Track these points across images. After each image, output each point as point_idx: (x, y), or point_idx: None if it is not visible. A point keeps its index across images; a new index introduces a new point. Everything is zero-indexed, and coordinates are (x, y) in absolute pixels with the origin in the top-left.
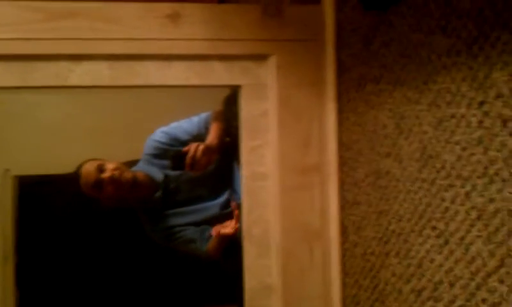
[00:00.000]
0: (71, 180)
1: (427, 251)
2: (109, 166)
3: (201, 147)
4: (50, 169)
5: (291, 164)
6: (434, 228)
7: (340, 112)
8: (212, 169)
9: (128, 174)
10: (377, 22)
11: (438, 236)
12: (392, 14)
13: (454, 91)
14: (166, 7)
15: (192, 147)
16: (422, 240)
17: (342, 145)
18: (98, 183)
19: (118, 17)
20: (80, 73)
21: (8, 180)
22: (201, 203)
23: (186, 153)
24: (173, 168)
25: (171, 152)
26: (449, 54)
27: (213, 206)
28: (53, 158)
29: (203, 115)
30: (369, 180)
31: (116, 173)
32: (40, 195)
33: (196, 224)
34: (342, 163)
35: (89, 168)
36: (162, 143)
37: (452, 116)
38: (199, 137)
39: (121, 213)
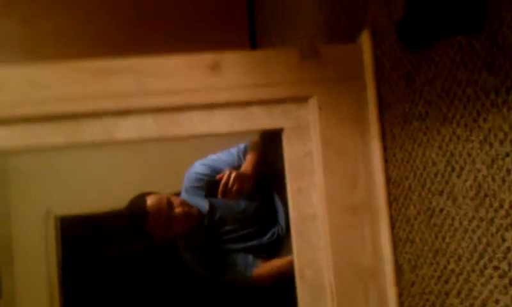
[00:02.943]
0: (118, 217)
1: (491, 291)
2: (176, 201)
3: (234, 175)
4: (90, 207)
5: (339, 203)
6: (496, 268)
7: (386, 149)
8: (253, 198)
9: (192, 208)
10: (419, 59)
11: (501, 277)
12: (433, 51)
13: (506, 129)
14: (207, 58)
15: (225, 174)
16: (485, 280)
17: (390, 182)
18: (170, 220)
19: (161, 71)
20: (126, 128)
21: (50, 221)
22: (245, 230)
23: (220, 180)
24: (207, 195)
25: (205, 180)
26: (498, 92)
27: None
28: (93, 197)
29: (241, 146)
30: (422, 218)
31: (186, 207)
32: (83, 235)
33: (240, 251)
34: (392, 200)
35: (160, 204)
36: (203, 174)
37: (507, 155)
38: (239, 168)
39: (163, 247)
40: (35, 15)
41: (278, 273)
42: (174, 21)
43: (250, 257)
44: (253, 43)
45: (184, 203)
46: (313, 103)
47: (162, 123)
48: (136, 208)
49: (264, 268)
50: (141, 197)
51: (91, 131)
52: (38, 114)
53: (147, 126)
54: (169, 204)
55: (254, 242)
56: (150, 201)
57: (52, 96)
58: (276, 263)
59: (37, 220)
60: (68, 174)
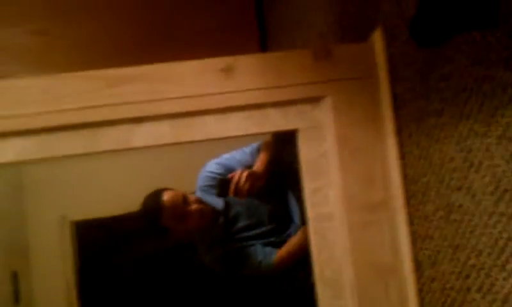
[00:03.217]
0: (133, 219)
1: None
2: (191, 198)
3: (245, 174)
4: (105, 212)
5: (356, 201)
6: None
7: (402, 146)
8: (266, 197)
9: (207, 206)
10: (433, 56)
11: None
12: (448, 48)
13: None
14: (219, 62)
15: (237, 174)
16: (506, 274)
17: (407, 179)
18: (184, 215)
19: (175, 77)
20: (142, 135)
21: (66, 226)
22: (262, 227)
23: (231, 179)
24: (219, 194)
25: (218, 179)
26: None
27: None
28: (108, 201)
29: (254, 145)
30: (441, 214)
31: (201, 204)
32: (99, 238)
33: (258, 245)
34: (409, 197)
35: (175, 199)
36: (217, 173)
37: None
38: (252, 167)
39: (179, 249)
40: (48, 26)
41: (298, 248)
42: (185, 27)
43: (268, 248)
44: (263, 44)
45: (198, 200)
46: (327, 104)
47: (177, 128)
48: (152, 202)
49: (282, 251)
50: (157, 192)
51: (107, 139)
52: (55, 125)
53: (162, 132)
54: (185, 200)
55: (271, 239)
56: (165, 196)
57: (68, 107)
58: (293, 240)
59: (53, 225)
60: (83, 180)
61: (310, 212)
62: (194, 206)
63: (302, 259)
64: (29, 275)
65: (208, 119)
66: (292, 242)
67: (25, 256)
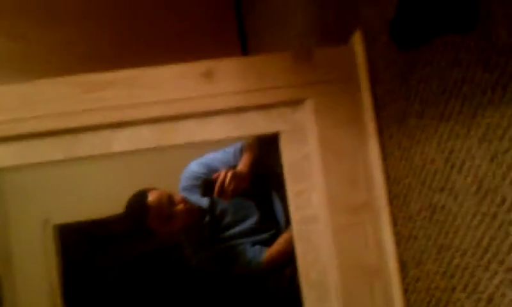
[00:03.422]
0: (117, 221)
1: (497, 286)
2: (177, 198)
3: (230, 174)
4: (88, 215)
5: (340, 203)
6: (501, 262)
7: (384, 148)
8: (250, 197)
9: (193, 205)
10: (413, 59)
11: (507, 271)
12: (427, 50)
13: (505, 125)
14: (200, 66)
15: (221, 174)
16: (490, 274)
17: (389, 180)
18: (170, 216)
19: (154, 81)
20: (122, 140)
21: (49, 230)
22: (248, 223)
23: (215, 180)
24: (203, 195)
25: (201, 180)
26: (494, 89)
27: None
28: (91, 204)
29: (238, 145)
30: (424, 214)
31: (187, 204)
32: (82, 242)
33: (246, 244)
34: (392, 198)
35: (161, 200)
36: (201, 173)
37: (506, 151)
38: (235, 167)
39: (164, 250)
40: (25, 31)
41: (287, 246)
42: (164, 31)
43: (257, 246)
44: (244, 45)
45: (184, 200)
46: (308, 106)
47: (159, 133)
48: (137, 203)
49: (272, 249)
50: (142, 192)
51: (88, 144)
52: (35, 131)
53: (143, 137)
54: (170, 200)
55: (256, 238)
56: (151, 196)
57: (47, 113)
58: (282, 239)
59: (35, 229)
60: (65, 183)
61: (294, 215)
62: (180, 206)
63: (290, 257)
64: (12, 279)
65: (189, 124)
66: (282, 240)
67: (8, 260)
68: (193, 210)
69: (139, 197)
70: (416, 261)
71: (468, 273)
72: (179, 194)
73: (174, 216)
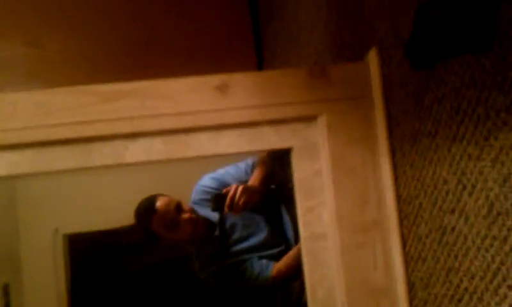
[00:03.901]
0: (126, 233)
1: None
2: (186, 207)
3: (241, 188)
4: (98, 226)
5: (350, 221)
6: (510, 287)
7: (396, 167)
8: (260, 212)
9: (200, 217)
10: (427, 78)
11: None
12: (442, 70)
13: None
14: (214, 80)
15: (232, 188)
16: (499, 299)
17: (401, 200)
18: (176, 223)
19: (169, 93)
20: (135, 151)
21: (59, 239)
22: (257, 238)
23: (226, 194)
24: (214, 209)
25: (212, 194)
26: (509, 110)
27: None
28: (101, 215)
29: (249, 160)
30: (434, 236)
31: (194, 215)
32: (91, 251)
33: (254, 259)
34: (403, 218)
35: (169, 205)
36: (212, 188)
37: None
38: (246, 182)
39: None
40: (41, 37)
41: (296, 259)
42: (180, 43)
43: (264, 260)
44: (260, 61)
45: (192, 210)
46: (322, 122)
47: (171, 144)
48: (145, 206)
49: (280, 264)
50: (152, 197)
51: (101, 154)
52: (48, 139)
53: (156, 149)
54: (178, 208)
55: (265, 253)
56: (159, 201)
57: (61, 121)
58: (291, 253)
59: (45, 238)
60: (76, 193)
61: (303, 231)
62: (186, 215)
63: (298, 273)
64: (20, 287)
65: (202, 136)
66: (290, 254)
67: (17, 268)
68: (199, 221)
69: (148, 201)
70: (424, 283)
71: (476, 297)
72: (188, 204)
73: (180, 224)
